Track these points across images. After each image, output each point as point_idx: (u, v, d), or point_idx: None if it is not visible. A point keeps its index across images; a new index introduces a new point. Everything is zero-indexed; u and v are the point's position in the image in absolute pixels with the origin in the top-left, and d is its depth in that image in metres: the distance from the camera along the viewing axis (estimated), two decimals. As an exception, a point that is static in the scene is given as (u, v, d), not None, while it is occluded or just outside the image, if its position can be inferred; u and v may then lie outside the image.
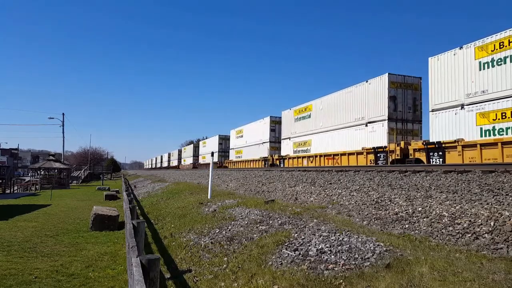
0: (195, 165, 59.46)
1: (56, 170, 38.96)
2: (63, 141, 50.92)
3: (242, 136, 39.63)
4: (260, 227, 7.94)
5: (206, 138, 62.62)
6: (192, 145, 66.03)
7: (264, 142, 32.94)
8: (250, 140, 36.90)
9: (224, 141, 48.41)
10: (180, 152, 77.33)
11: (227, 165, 43.99)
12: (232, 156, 42.20)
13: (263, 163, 32.23)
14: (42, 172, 39.01)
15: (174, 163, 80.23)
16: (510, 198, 6.79)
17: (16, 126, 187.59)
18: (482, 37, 13.71)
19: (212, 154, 17.13)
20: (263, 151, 32.70)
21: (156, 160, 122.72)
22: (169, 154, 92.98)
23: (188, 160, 65.02)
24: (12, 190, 31.05)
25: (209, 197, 14.08)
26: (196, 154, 60.62)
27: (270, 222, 8.12)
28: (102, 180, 50.65)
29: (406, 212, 7.40)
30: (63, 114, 50.80)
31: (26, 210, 16.65)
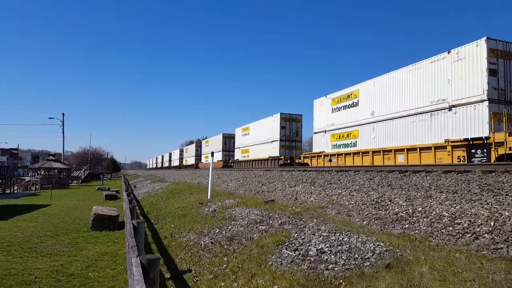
0: (228, 162, 43.25)
1: (56, 170, 38.97)
2: (63, 141, 50.95)
3: (356, 104, 20.62)
4: (260, 227, 7.94)
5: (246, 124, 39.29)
6: (220, 135, 47.29)
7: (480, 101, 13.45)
8: (385, 110, 18.24)
9: (290, 122, 30.00)
10: (199, 147, 60.30)
11: (307, 161, 24.93)
12: (322, 144, 23.63)
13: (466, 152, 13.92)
14: (42, 172, 39.02)
15: (190, 161, 64.00)
16: (510, 198, 6.79)
17: (16, 126, 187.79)
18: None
19: (212, 154, 17.09)
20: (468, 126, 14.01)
21: (162, 159, 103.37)
22: (180, 151, 77.46)
23: (214, 157, 49.70)
24: (12, 190, 31.05)
25: (209, 197, 14.08)
26: (228, 148, 44.83)
27: (270, 222, 8.12)
28: (102, 180, 50.65)
29: (406, 212, 7.40)
30: (63, 114, 50.79)
31: (26, 210, 16.64)
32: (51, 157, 40.86)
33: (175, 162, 79.62)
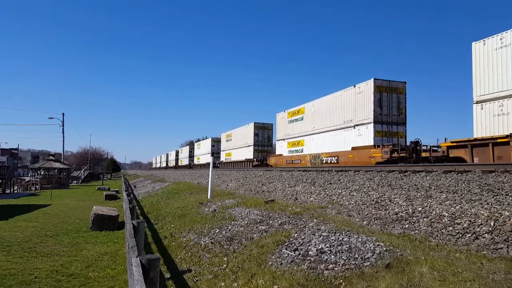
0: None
1: (56, 170, 38.97)
2: (63, 141, 50.98)
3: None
4: (260, 227, 7.94)
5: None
6: (330, 97, 22.55)
7: None
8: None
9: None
10: (260, 129, 36.02)
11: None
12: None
13: None
14: (42, 172, 39.03)
15: (239, 154, 37.79)
16: (510, 198, 6.79)
17: (16, 126, 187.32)
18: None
19: (213, 154, 17.05)
20: None
21: (177, 155, 75.85)
22: (214, 141, 47.24)
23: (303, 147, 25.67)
24: (12, 190, 31.04)
25: (209, 197, 14.09)
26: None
27: (270, 222, 8.13)
28: (102, 180, 50.67)
29: (406, 212, 7.41)
30: (63, 114, 50.78)
31: (26, 210, 16.64)
32: (51, 157, 40.86)
33: (203, 159, 52.14)
